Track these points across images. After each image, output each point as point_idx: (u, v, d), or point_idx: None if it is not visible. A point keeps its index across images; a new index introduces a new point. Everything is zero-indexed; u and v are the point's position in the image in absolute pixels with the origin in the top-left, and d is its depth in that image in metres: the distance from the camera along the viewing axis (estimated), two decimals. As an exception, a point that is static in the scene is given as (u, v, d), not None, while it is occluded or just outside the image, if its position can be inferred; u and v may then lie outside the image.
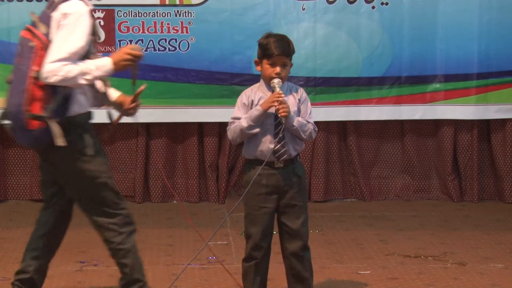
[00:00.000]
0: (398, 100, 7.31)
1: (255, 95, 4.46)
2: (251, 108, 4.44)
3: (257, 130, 4.39)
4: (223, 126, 7.39)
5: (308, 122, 4.50)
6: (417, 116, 7.37)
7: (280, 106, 4.30)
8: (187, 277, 5.36)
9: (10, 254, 5.83)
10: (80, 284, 5.21)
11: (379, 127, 7.57)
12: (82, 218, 6.93)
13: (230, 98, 7.13)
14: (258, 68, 4.49)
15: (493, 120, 7.46)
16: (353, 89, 7.28)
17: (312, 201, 7.46)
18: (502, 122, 7.47)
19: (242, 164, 7.42)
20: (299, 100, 4.50)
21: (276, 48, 4.38)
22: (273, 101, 4.31)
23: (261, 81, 4.51)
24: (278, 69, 4.39)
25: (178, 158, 7.51)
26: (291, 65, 4.50)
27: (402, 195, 7.63)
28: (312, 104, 7.29)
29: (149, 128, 7.41)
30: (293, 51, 4.48)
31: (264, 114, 4.35)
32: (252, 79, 7.05)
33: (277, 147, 4.40)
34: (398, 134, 7.61)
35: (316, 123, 7.33)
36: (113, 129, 4.67)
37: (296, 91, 4.53)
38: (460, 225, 6.74)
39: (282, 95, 4.33)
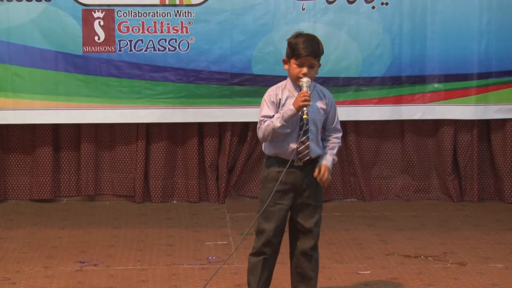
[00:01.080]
0: (398, 100, 7.31)
1: (283, 94, 4.45)
2: (278, 106, 4.44)
3: (289, 130, 4.39)
4: (223, 126, 7.39)
5: (335, 139, 4.54)
6: (417, 116, 7.36)
7: (303, 103, 4.30)
8: (187, 277, 5.36)
9: (10, 254, 5.83)
10: (80, 284, 5.21)
11: (379, 127, 7.57)
12: (81, 218, 6.97)
13: (230, 98, 7.13)
14: (286, 67, 4.49)
15: (493, 120, 7.46)
16: (353, 89, 7.28)
17: (312, 201, 7.46)
18: (502, 122, 7.47)
19: (242, 164, 7.42)
20: (326, 103, 4.50)
21: (305, 49, 4.38)
22: (302, 101, 4.29)
23: (288, 80, 4.49)
24: (305, 69, 4.38)
25: (178, 158, 7.51)
26: (319, 65, 4.49)
27: (402, 195, 7.63)
28: (312, 104, 7.18)
29: (149, 128, 7.41)
30: (321, 52, 4.46)
31: (296, 114, 4.34)
32: (252, 79, 7.07)
33: (300, 148, 4.41)
34: (398, 134, 7.61)
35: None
36: None
37: (324, 94, 4.52)
38: (460, 225, 6.73)
39: (306, 93, 4.31)
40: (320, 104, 4.47)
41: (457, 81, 7.30)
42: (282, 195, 4.47)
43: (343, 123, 7.44)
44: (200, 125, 7.41)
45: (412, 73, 7.28)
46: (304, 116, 4.31)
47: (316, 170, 4.44)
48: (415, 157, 7.59)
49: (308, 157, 4.44)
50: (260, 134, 4.45)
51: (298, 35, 4.47)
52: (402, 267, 5.58)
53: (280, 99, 4.44)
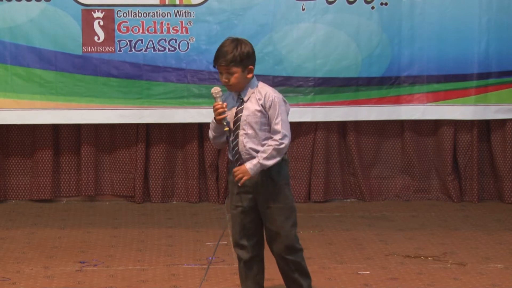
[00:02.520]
0: (398, 100, 7.30)
1: (227, 99, 4.51)
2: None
3: (223, 139, 4.49)
4: (223, 126, 7.39)
5: (272, 141, 4.40)
6: (416, 116, 7.36)
7: (218, 118, 4.38)
8: (187, 277, 5.36)
9: (10, 254, 5.83)
10: (80, 284, 5.21)
11: (379, 127, 7.57)
12: (81, 218, 6.97)
13: (230, 98, 7.13)
14: None
15: (493, 120, 7.46)
16: (353, 89, 7.27)
17: (312, 201, 7.46)
18: (502, 122, 7.47)
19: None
20: (261, 105, 4.43)
21: (215, 59, 4.42)
22: (216, 115, 4.38)
23: None
24: (222, 77, 4.42)
25: (178, 158, 7.51)
26: (249, 68, 4.40)
27: (402, 195, 7.62)
28: (311, 104, 7.29)
29: (149, 129, 7.41)
30: (239, 57, 4.35)
31: (219, 126, 4.43)
32: (252, 79, 7.06)
33: (232, 153, 4.47)
34: (398, 134, 7.61)
35: (316, 123, 7.41)
36: None
37: (262, 95, 4.44)
38: (460, 225, 6.73)
39: (218, 105, 4.37)
40: (255, 106, 4.43)
41: (456, 81, 7.30)
42: (240, 197, 4.48)
43: (343, 123, 7.47)
44: (200, 125, 7.40)
45: (411, 73, 7.28)
46: (226, 129, 4.39)
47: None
48: (415, 157, 7.59)
49: (241, 161, 4.40)
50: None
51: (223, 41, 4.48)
52: (402, 267, 5.58)
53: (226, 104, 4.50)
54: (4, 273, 5.41)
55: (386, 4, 7.18)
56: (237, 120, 4.43)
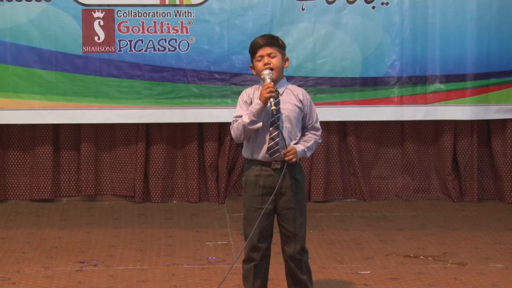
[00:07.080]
0: (399, 101, 7.30)
1: (254, 94, 4.48)
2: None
3: (259, 125, 4.37)
4: (223, 126, 7.39)
5: (312, 135, 4.54)
6: (419, 117, 7.34)
7: (268, 95, 4.30)
8: (187, 277, 5.36)
9: (10, 254, 5.83)
10: (80, 284, 5.21)
11: (379, 127, 7.56)
12: (81, 218, 6.97)
13: (230, 98, 7.13)
14: (254, 72, 4.52)
15: (493, 120, 7.46)
16: (353, 90, 7.27)
17: (312, 201, 7.46)
18: (502, 122, 7.47)
19: (242, 164, 7.42)
20: (301, 101, 4.50)
21: (257, 42, 4.45)
22: (267, 92, 4.30)
23: (260, 82, 4.52)
24: (265, 59, 4.42)
25: (178, 158, 7.51)
26: (286, 58, 4.51)
27: (402, 195, 7.62)
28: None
29: (149, 129, 7.41)
30: (280, 43, 4.49)
31: (264, 107, 4.34)
32: (251, 79, 7.07)
33: (270, 144, 4.40)
34: (398, 134, 7.60)
35: (316, 123, 7.41)
36: None
37: (298, 92, 4.52)
38: (460, 225, 6.73)
39: (270, 84, 4.33)
40: (294, 101, 4.48)
41: (458, 81, 7.29)
42: (262, 199, 4.46)
43: (343, 123, 7.47)
44: (200, 125, 7.41)
45: (413, 74, 7.27)
46: (272, 108, 4.32)
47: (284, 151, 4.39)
48: (415, 157, 7.58)
49: (279, 154, 4.38)
50: (233, 133, 4.48)
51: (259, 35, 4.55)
52: (402, 267, 5.58)
53: (251, 98, 4.47)
54: (4, 273, 5.41)
55: (387, 4, 7.18)
56: (276, 112, 4.38)
